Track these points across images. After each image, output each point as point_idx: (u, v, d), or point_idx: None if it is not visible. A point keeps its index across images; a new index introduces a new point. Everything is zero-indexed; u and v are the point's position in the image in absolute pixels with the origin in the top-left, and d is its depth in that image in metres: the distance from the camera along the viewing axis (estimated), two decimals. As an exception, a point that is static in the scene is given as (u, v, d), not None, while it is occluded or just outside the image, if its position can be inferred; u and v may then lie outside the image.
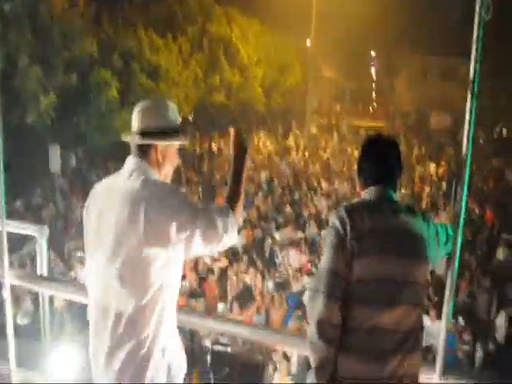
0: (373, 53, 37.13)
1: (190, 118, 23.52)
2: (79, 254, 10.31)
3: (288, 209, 14.07)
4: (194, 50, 23.12)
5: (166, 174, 2.19)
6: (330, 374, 2.02)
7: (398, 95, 32.46)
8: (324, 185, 16.68)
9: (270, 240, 11.61)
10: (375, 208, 2.17)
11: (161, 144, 2.13)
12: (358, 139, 26.21)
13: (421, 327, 2.17)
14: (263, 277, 9.59)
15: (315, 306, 2.04)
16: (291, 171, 19.06)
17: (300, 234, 12.00)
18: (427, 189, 16.89)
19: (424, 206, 15.29)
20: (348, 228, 2.07)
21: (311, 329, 2.05)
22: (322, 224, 12.37)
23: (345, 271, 2.05)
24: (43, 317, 3.60)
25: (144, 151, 2.12)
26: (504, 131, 18.79)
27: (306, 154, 22.46)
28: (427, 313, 8.25)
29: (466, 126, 2.18)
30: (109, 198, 2.06)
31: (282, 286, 9.56)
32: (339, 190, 15.98)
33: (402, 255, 2.09)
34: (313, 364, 2.06)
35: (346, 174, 18.85)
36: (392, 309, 2.05)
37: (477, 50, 2.15)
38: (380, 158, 2.26)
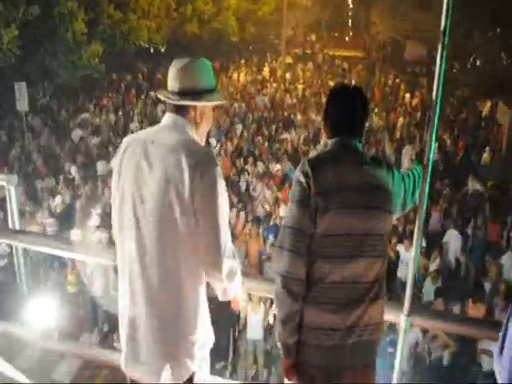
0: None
1: (163, 50, 22.86)
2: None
3: (263, 142, 14.15)
4: (164, -23, 22.16)
5: (202, 132, 2.21)
6: (295, 327, 2.10)
7: (373, 24, 31.90)
8: (299, 117, 16.67)
9: (246, 174, 11.76)
10: (339, 160, 2.15)
11: (200, 105, 2.14)
12: (333, 69, 26.00)
13: (384, 276, 2.22)
14: (239, 211, 9.80)
15: (280, 263, 2.09)
16: (267, 103, 18.95)
17: (276, 167, 12.16)
18: (402, 119, 17.04)
19: (398, 136, 15.53)
20: (312, 183, 2.07)
21: (277, 284, 2.10)
22: (297, 157, 12.53)
23: (309, 227, 2.07)
24: (18, 265, 3.65)
25: (182, 109, 2.12)
26: (478, 62, 18.88)
27: (282, 85, 22.21)
28: (401, 242, 8.61)
29: (438, 60, 2.23)
30: (149, 151, 2.04)
31: (258, 219, 9.79)
32: (315, 121, 16.02)
33: (365, 208, 2.11)
34: (278, 317, 2.14)
35: (322, 105, 18.84)
36: (355, 262, 2.10)
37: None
38: (345, 107, 2.23)
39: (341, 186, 2.09)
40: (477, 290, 8.17)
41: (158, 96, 2.21)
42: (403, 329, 2.47)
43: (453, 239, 9.18)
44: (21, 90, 13.09)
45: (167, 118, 2.15)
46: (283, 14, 27.91)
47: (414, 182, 2.40)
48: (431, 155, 2.36)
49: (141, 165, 2.04)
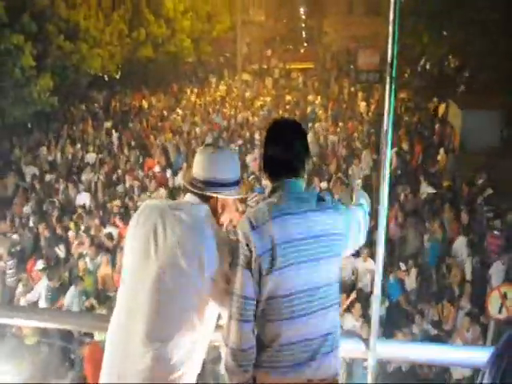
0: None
1: (117, 76, 22.74)
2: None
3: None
4: (115, 3, 22.11)
5: (223, 221, 2.28)
6: None
7: (326, 35, 32.45)
8: (258, 136, 16.72)
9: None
10: (281, 210, 2.03)
11: (222, 197, 2.22)
12: (290, 83, 26.28)
13: (338, 323, 2.16)
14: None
15: (229, 333, 2.03)
16: (225, 123, 19.00)
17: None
18: (359, 127, 17.28)
19: (358, 145, 15.71)
20: (252, 245, 1.99)
21: (226, 355, 2.05)
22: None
23: (255, 292, 2.01)
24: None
25: (205, 197, 2.20)
26: (427, 65, 19.36)
27: (239, 103, 22.31)
28: (358, 255, 8.55)
29: (388, 66, 2.10)
30: (167, 220, 2.11)
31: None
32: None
33: (313, 260, 2.03)
34: None
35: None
36: (305, 320, 2.04)
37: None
38: (284, 147, 2.13)
39: (284, 243, 2.00)
40: (445, 292, 8.27)
41: (183, 182, 2.27)
42: (371, 365, 2.39)
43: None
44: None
45: (190, 199, 2.21)
46: (237, 31, 28.15)
47: (363, 217, 2.32)
48: (386, 163, 2.22)
49: (156, 230, 2.10)
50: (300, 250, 2.01)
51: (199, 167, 2.21)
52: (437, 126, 16.29)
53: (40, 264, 9.00)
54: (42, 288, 8.51)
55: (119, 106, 22.65)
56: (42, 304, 8.38)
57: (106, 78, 22.31)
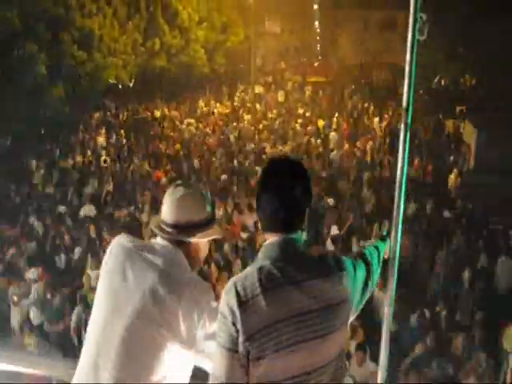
0: (316, 6, 36.60)
1: (131, 85, 22.78)
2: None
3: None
4: (130, 12, 22.18)
5: (196, 263, 2.12)
6: None
7: (340, 48, 32.40)
8: (269, 149, 16.60)
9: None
10: (276, 281, 1.70)
11: (194, 240, 2.06)
12: (303, 96, 26.18)
13: None
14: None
15: None
16: (236, 136, 18.88)
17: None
18: (371, 144, 17.07)
19: (369, 160, 15.50)
20: (239, 325, 1.66)
21: None
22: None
23: (242, 378, 1.69)
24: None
25: (177, 241, 2.03)
26: (442, 82, 19.18)
27: (251, 116, 22.20)
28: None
29: (403, 112, 2.04)
30: (138, 264, 1.97)
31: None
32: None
33: (313, 339, 1.70)
34: None
35: (294, 133, 18.81)
36: None
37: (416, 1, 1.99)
38: (281, 195, 1.78)
39: (278, 322, 1.66)
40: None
41: (151, 227, 2.11)
42: None
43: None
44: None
45: (160, 244, 2.04)
46: (252, 42, 28.13)
47: (371, 271, 2.03)
48: (401, 206, 2.14)
49: (125, 272, 1.97)
50: (299, 327, 1.68)
51: (168, 210, 2.05)
52: (451, 144, 16.01)
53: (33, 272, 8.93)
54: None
55: (132, 115, 22.67)
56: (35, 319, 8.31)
57: (120, 87, 22.35)
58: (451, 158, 15.31)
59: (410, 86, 2.00)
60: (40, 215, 11.64)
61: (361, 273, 1.94)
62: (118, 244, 2.07)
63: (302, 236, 1.83)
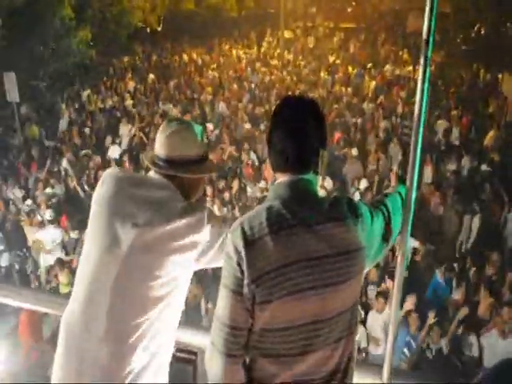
0: None
1: (159, 29, 22.41)
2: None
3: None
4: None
5: (190, 200, 2.08)
6: None
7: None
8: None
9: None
10: (285, 222, 1.60)
11: (187, 176, 2.03)
12: (334, 43, 25.38)
13: (351, 357, 1.74)
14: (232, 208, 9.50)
15: (213, 367, 1.66)
16: (265, 82, 18.52)
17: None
18: (402, 92, 16.56)
19: (400, 110, 15.08)
20: (245, 266, 1.57)
21: None
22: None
23: (245, 321, 1.61)
24: None
25: (171, 177, 2.00)
26: (482, 31, 18.29)
27: (278, 62, 21.66)
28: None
29: (423, 44, 1.81)
30: (130, 195, 1.93)
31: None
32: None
33: (323, 287, 1.60)
34: None
35: (322, 80, 18.38)
36: (308, 356, 1.63)
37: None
38: (294, 133, 1.67)
39: (286, 264, 1.57)
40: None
41: (144, 160, 2.09)
42: None
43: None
44: (10, 81, 12.79)
45: (154, 177, 2.01)
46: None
47: (391, 221, 1.88)
48: (417, 158, 1.91)
49: (120, 205, 1.91)
50: (307, 273, 1.57)
51: (161, 144, 2.01)
52: (490, 98, 15.38)
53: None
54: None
55: (159, 59, 22.38)
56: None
57: (148, 31, 22.02)
58: (489, 110, 14.75)
59: (432, 11, 1.76)
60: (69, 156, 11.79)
61: (379, 221, 1.81)
62: (111, 175, 2.00)
63: (316, 179, 1.72)
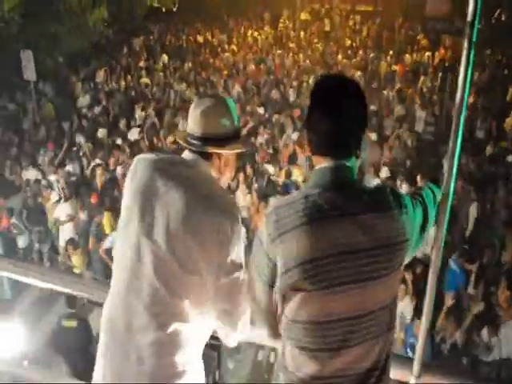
0: None
1: (174, 9, 22.19)
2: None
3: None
4: None
5: (225, 180, 2.02)
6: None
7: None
8: (312, 80, 16.12)
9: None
10: (322, 212, 1.53)
11: (225, 152, 1.94)
12: (351, 26, 25.02)
13: (388, 354, 1.69)
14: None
15: (255, 291, 1.71)
16: (279, 65, 18.33)
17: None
18: (422, 80, 16.30)
19: (418, 99, 14.89)
20: (279, 256, 1.56)
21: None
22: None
23: (276, 309, 1.66)
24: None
25: (206, 154, 1.91)
26: (503, 17, 17.93)
27: (293, 44, 21.39)
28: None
29: (468, 27, 1.70)
30: (165, 179, 1.82)
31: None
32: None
33: (366, 281, 1.54)
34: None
35: (340, 65, 18.15)
36: (344, 353, 1.58)
37: None
38: (332, 114, 1.58)
39: (323, 255, 1.51)
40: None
41: (177, 139, 2.00)
42: None
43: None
44: (27, 59, 12.74)
45: (189, 157, 1.92)
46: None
47: (428, 213, 1.80)
48: (457, 149, 1.83)
49: (155, 188, 1.81)
50: (346, 267, 1.52)
51: (195, 122, 1.91)
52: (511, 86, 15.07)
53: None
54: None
55: (174, 39, 22.22)
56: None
57: (164, 10, 21.82)
58: (508, 97, 14.51)
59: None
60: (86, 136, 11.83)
61: (419, 212, 1.74)
62: (143, 159, 1.91)
63: (357, 164, 1.66)
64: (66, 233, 8.80)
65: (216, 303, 1.81)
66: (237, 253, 1.78)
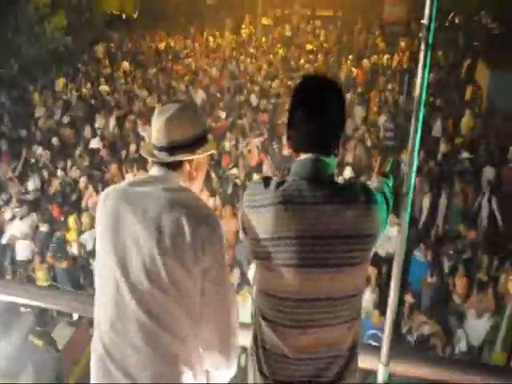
0: None
1: (135, 16, 22.07)
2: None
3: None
4: None
5: (198, 184, 1.92)
6: None
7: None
8: (275, 84, 16.27)
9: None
10: (292, 197, 1.64)
11: (196, 157, 1.85)
12: (312, 31, 25.29)
13: (354, 345, 1.76)
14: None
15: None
16: (242, 71, 18.42)
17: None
18: (381, 82, 16.64)
19: (378, 100, 15.20)
20: (244, 224, 1.73)
21: None
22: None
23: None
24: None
25: (175, 164, 1.81)
26: (456, 20, 18.47)
27: (254, 50, 21.51)
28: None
29: (424, 30, 1.76)
30: (136, 202, 1.73)
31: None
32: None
33: (324, 267, 1.63)
34: None
35: (302, 69, 18.32)
36: (304, 332, 1.68)
37: None
38: (313, 112, 1.67)
39: (282, 238, 1.63)
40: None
41: (142, 154, 1.90)
42: (381, 379, 2.09)
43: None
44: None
45: (158, 172, 1.82)
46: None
47: (387, 204, 1.86)
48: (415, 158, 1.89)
49: (124, 216, 1.72)
50: (302, 250, 1.62)
51: (160, 131, 1.80)
52: (466, 86, 15.51)
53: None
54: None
55: (135, 46, 22.06)
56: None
57: (124, 17, 21.67)
58: (464, 98, 14.95)
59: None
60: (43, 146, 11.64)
61: (385, 208, 1.80)
62: (112, 190, 1.81)
63: (334, 161, 1.74)
64: (22, 249, 8.63)
65: (204, 314, 1.73)
66: (222, 257, 1.74)
